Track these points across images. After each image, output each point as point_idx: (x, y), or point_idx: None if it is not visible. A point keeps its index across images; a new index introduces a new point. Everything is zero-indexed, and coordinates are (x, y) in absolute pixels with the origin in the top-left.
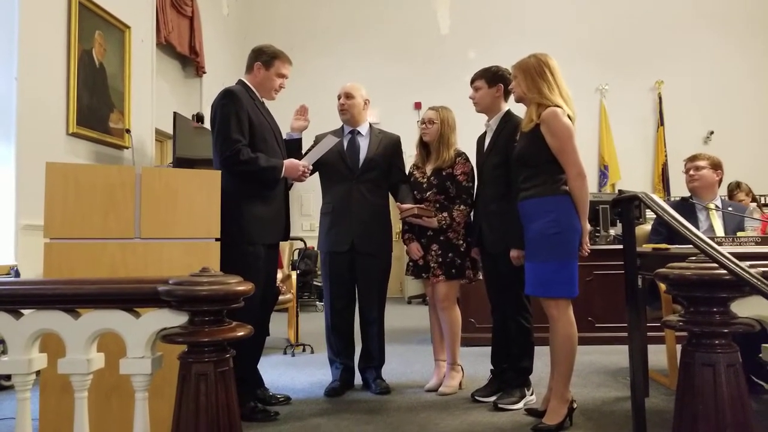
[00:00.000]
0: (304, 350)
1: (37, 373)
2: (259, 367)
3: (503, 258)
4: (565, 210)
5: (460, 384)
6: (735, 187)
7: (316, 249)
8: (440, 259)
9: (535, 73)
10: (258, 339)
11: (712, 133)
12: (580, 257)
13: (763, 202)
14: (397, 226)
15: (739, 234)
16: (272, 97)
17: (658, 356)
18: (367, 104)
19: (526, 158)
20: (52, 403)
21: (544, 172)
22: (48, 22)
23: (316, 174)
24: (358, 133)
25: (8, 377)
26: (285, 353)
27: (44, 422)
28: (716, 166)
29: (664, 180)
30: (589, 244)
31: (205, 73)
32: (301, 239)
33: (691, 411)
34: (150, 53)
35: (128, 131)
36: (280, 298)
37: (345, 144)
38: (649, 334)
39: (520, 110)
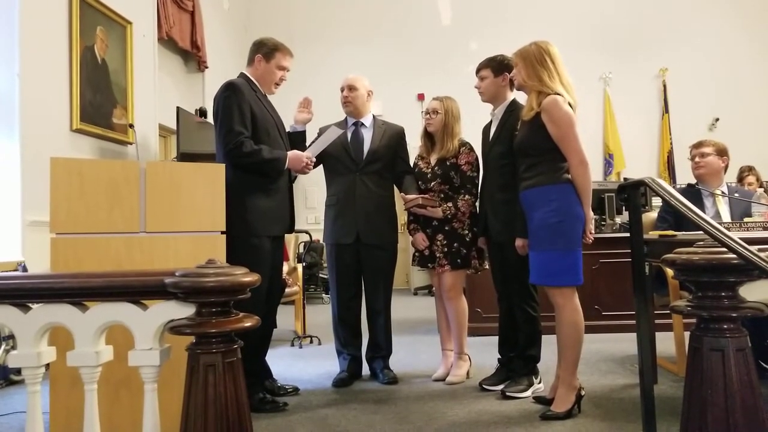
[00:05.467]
0: (311, 342)
1: (47, 367)
2: (267, 359)
3: (509, 247)
4: (567, 198)
5: (468, 373)
6: (747, 170)
7: (321, 241)
8: (446, 249)
9: (535, 60)
10: (266, 331)
11: (717, 120)
12: (585, 245)
13: None
14: (402, 217)
15: (746, 219)
16: (272, 91)
17: (665, 344)
18: (370, 96)
19: (527, 147)
20: (62, 396)
21: (545, 161)
22: (49, 19)
23: (321, 167)
24: (362, 124)
25: (19, 371)
26: (292, 345)
27: (55, 415)
28: (722, 152)
29: (669, 168)
30: (593, 232)
31: (207, 67)
32: (307, 232)
33: (701, 396)
34: (152, 48)
35: (132, 126)
36: (287, 290)
37: (348, 136)
38: (656, 321)
39: (525, 99)
